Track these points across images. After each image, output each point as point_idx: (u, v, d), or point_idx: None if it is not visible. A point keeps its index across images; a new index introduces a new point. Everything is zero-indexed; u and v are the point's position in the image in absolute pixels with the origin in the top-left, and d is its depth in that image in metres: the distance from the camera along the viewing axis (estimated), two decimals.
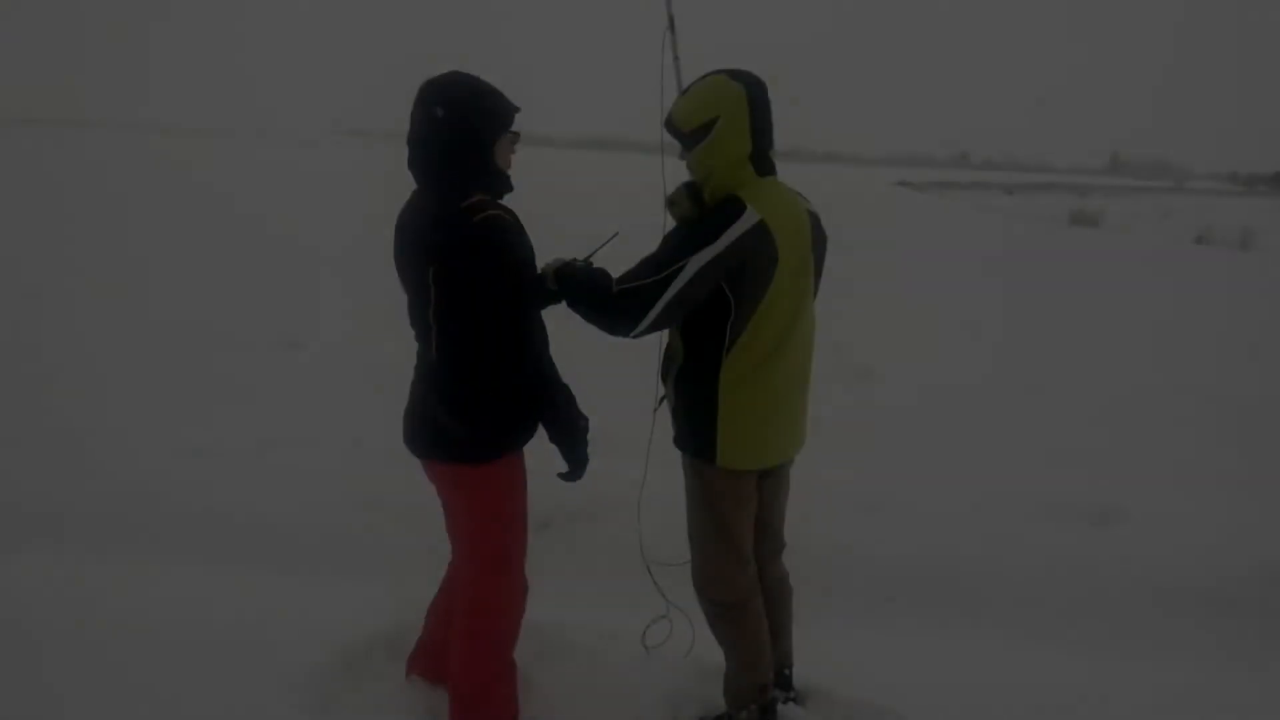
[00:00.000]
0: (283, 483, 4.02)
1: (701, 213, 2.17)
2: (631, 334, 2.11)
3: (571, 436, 2.07)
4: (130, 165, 28.42)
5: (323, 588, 3.14)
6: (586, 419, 2.10)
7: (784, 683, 2.56)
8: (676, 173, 2.42)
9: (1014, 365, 7.27)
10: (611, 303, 2.09)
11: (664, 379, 2.36)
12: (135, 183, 21.68)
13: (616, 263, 2.30)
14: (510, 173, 2.11)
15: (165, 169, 27.89)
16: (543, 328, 2.08)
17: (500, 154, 2.05)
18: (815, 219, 2.29)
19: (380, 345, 5.91)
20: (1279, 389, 6.77)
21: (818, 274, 2.33)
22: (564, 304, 2.37)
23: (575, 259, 2.37)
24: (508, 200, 2.11)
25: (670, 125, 2.20)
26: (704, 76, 2.17)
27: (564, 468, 2.12)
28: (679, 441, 2.32)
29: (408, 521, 3.19)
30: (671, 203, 2.25)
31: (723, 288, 2.06)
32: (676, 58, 2.45)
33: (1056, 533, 3.88)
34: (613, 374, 6.23)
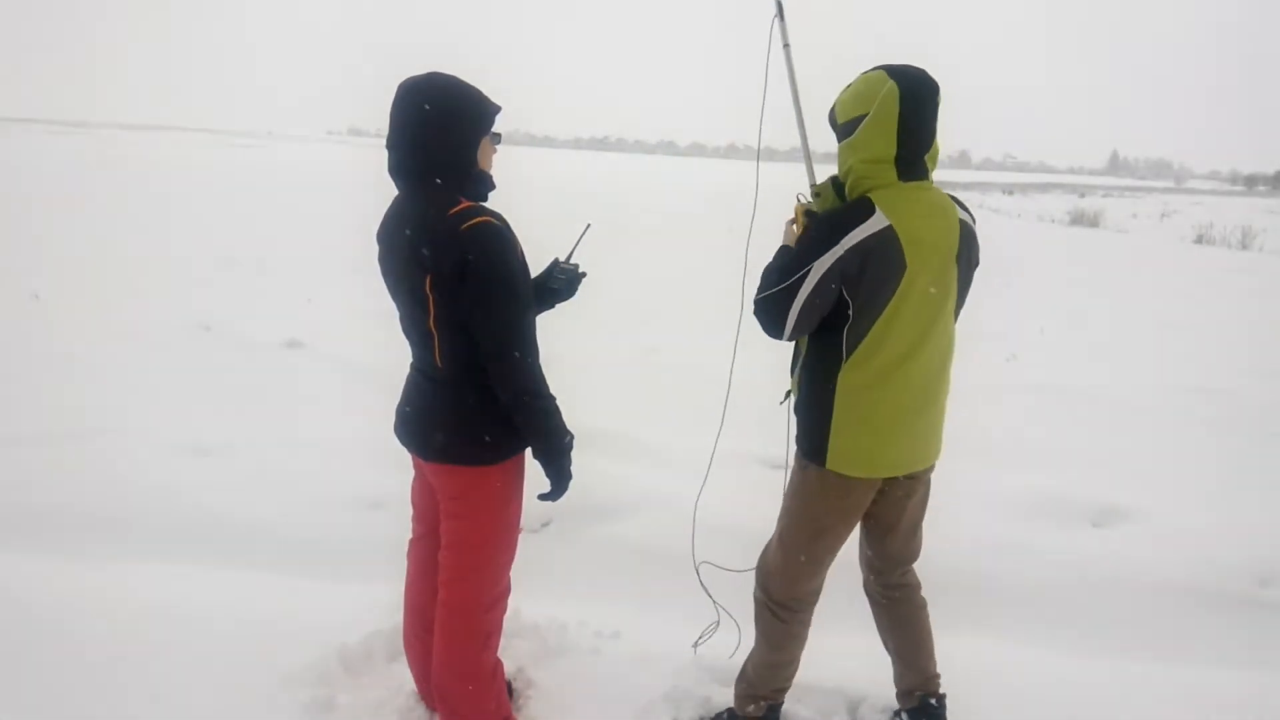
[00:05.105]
0: (283, 483, 4.02)
1: (832, 208, 2.11)
2: (783, 339, 2.10)
3: (555, 450, 2.04)
4: (129, 166, 28.42)
5: (323, 588, 3.14)
6: (571, 435, 2.08)
7: (932, 713, 2.38)
8: (771, 177, 2.36)
9: (1013, 365, 7.28)
10: (755, 308, 2.11)
11: (791, 372, 2.29)
12: (134, 183, 21.68)
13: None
14: (491, 172, 2.09)
15: (166, 170, 27.90)
16: (534, 335, 2.04)
17: (483, 156, 2.04)
18: (965, 227, 2.14)
19: (379, 345, 5.91)
20: (1279, 389, 6.77)
21: (964, 288, 2.20)
22: (554, 309, 2.37)
23: (557, 258, 2.37)
24: (501, 181, 2.11)
25: (831, 114, 2.14)
26: (870, 70, 2.07)
27: (546, 487, 2.09)
28: (796, 439, 2.25)
29: (408, 521, 3.18)
30: (817, 194, 2.20)
31: (841, 291, 2.00)
32: (786, 44, 2.28)
33: (1056, 533, 3.88)
34: (611, 377, 6.25)
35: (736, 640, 2.67)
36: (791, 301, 2.01)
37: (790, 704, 2.52)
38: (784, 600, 2.29)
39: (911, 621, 2.42)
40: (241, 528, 3.65)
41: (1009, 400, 6.12)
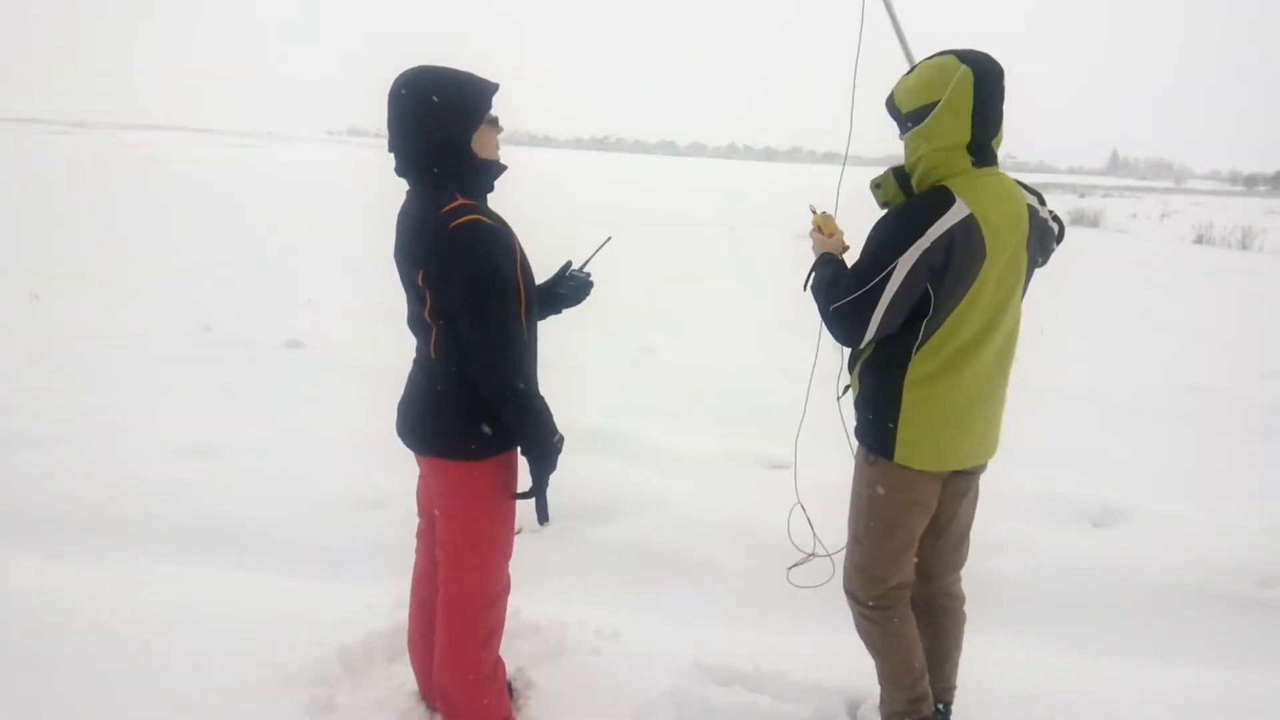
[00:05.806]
0: (283, 483, 4.02)
1: (907, 200, 2.07)
2: (860, 345, 2.04)
3: (540, 450, 2.03)
4: (129, 166, 28.42)
5: (323, 588, 3.14)
6: (560, 436, 2.06)
7: (938, 718, 2.38)
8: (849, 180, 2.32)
9: (1013, 364, 7.27)
10: (830, 319, 2.04)
11: (850, 368, 2.25)
12: (134, 183, 21.68)
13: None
14: (499, 156, 2.04)
15: (165, 170, 27.90)
16: (524, 336, 2.01)
17: (482, 144, 1.99)
18: (1034, 213, 2.12)
19: (380, 345, 5.92)
20: (1278, 389, 6.77)
21: (1029, 272, 2.17)
22: (553, 312, 2.35)
23: (569, 263, 2.36)
24: (501, 182, 2.07)
25: (890, 103, 2.09)
26: (933, 55, 2.04)
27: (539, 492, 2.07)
28: (858, 434, 2.22)
29: (408, 521, 3.20)
30: (877, 185, 2.16)
31: (926, 283, 1.96)
32: (900, 30, 2.27)
33: (1056, 533, 3.88)
34: (611, 377, 6.25)
35: (830, 570, 2.52)
36: (875, 303, 1.95)
37: (790, 704, 2.51)
38: (866, 599, 2.25)
39: (949, 633, 2.38)
40: (241, 528, 3.65)
41: (1008, 400, 6.12)
